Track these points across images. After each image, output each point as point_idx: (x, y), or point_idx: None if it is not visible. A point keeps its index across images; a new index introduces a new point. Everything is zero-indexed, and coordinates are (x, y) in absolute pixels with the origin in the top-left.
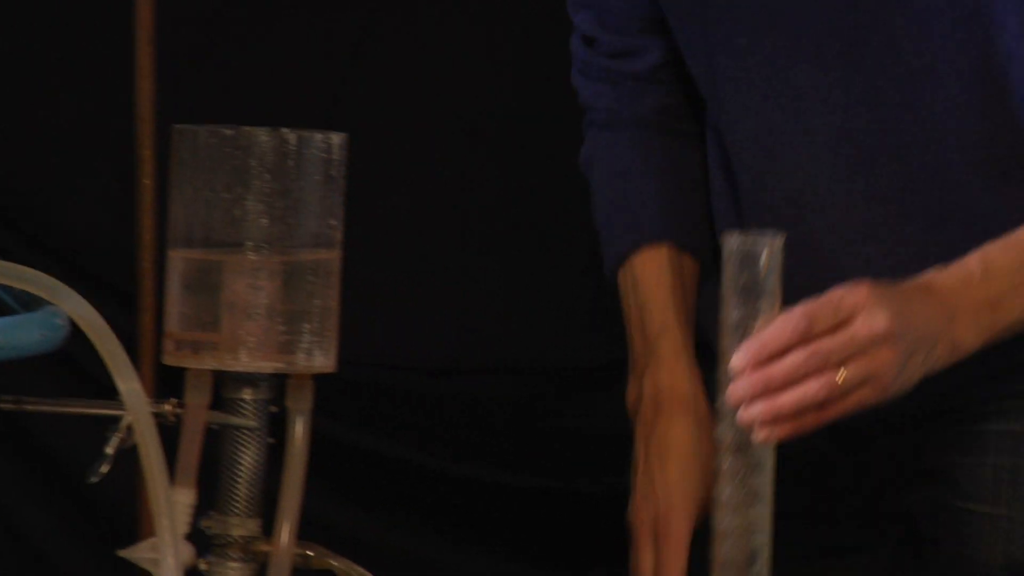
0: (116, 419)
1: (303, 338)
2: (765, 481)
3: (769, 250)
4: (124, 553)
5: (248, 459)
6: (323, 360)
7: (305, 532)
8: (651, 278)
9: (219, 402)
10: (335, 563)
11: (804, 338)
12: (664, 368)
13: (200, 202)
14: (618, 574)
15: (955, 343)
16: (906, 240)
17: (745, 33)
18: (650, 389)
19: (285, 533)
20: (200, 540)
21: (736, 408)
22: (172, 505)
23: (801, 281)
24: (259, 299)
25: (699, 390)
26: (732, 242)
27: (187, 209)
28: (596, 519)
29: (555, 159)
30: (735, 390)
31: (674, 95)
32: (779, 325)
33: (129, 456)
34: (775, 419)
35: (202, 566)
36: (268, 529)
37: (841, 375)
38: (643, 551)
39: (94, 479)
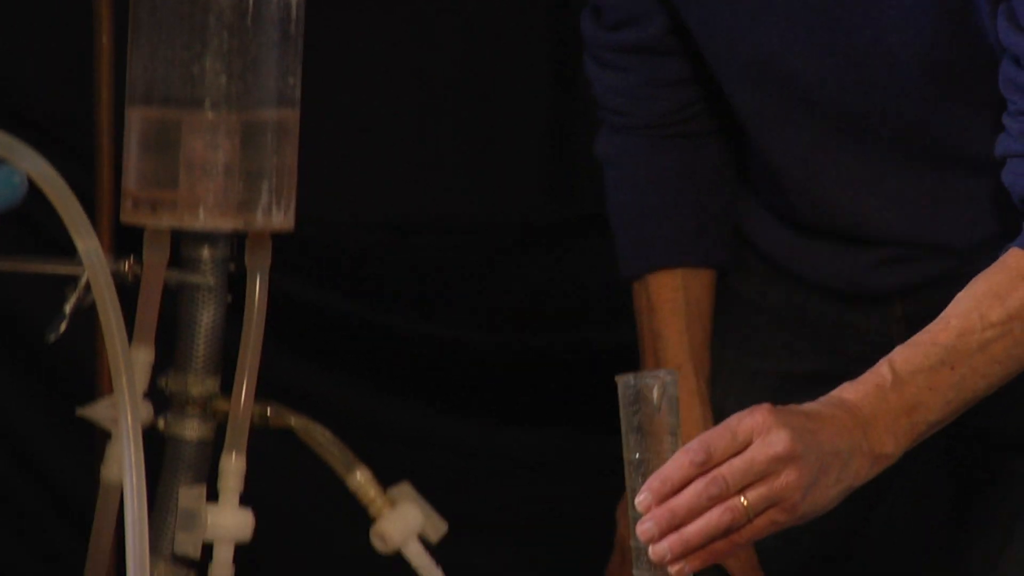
0: (74, 278)
1: (261, 196)
2: None
3: (660, 387)
4: (82, 412)
5: (206, 317)
6: (281, 218)
7: (263, 390)
8: (666, 306)
9: (177, 261)
10: (293, 421)
11: (703, 468)
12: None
13: (158, 60)
14: (579, 430)
15: (874, 454)
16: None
17: None
18: None
19: (243, 391)
20: (158, 398)
21: (647, 546)
22: (130, 363)
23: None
24: (217, 157)
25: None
26: (623, 382)
27: (145, 67)
28: (557, 375)
29: (516, 11)
30: (643, 529)
31: (685, 87)
32: (678, 458)
33: (87, 315)
34: (684, 551)
35: (160, 424)
36: (227, 388)
37: (744, 500)
38: None
39: (52, 338)
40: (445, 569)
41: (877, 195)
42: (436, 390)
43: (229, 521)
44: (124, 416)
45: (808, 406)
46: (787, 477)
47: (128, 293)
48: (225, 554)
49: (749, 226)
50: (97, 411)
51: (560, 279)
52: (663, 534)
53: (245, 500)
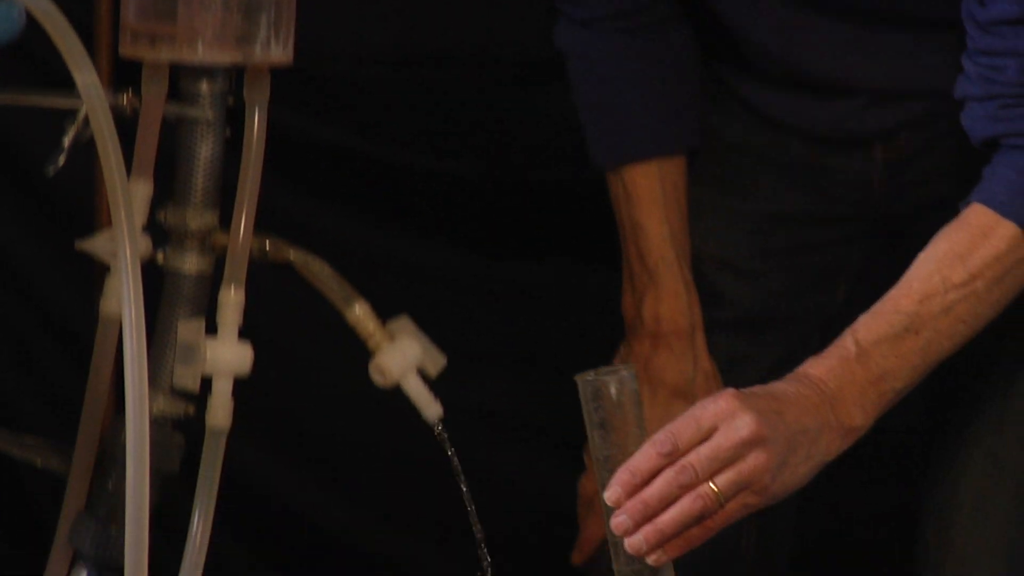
0: (73, 111)
1: (260, 30)
2: None
3: (618, 383)
4: (81, 245)
5: (205, 151)
6: (280, 52)
7: (262, 224)
8: (644, 195)
9: (176, 94)
10: (292, 254)
11: (671, 458)
12: (665, 302)
13: None
14: (579, 262)
15: (844, 428)
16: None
17: None
18: (650, 319)
19: (242, 225)
20: (157, 232)
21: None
22: (129, 197)
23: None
24: None
25: (699, 327)
26: (582, 381)
27: None
28: (556, 208)
29: None
30: (617, 522)
31: None
32: (645, 450)
33: (86, 148)
34: (660, 540)
35: (159, 257)
36: (225, 221)
37: (714, 486)
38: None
39: (51, 171)
40: (443, 402)
41: (855, 54)
42: (435, 224)
43: (228, 355)
44: (123, 249)
45: (773, 386)
46: (755, 460)
47: (127, 127)
48: (224, 387)
49: (730, 77)
50: (96, 244)
51: (559, 113)
52: (637, 526)
53: (244, 334)
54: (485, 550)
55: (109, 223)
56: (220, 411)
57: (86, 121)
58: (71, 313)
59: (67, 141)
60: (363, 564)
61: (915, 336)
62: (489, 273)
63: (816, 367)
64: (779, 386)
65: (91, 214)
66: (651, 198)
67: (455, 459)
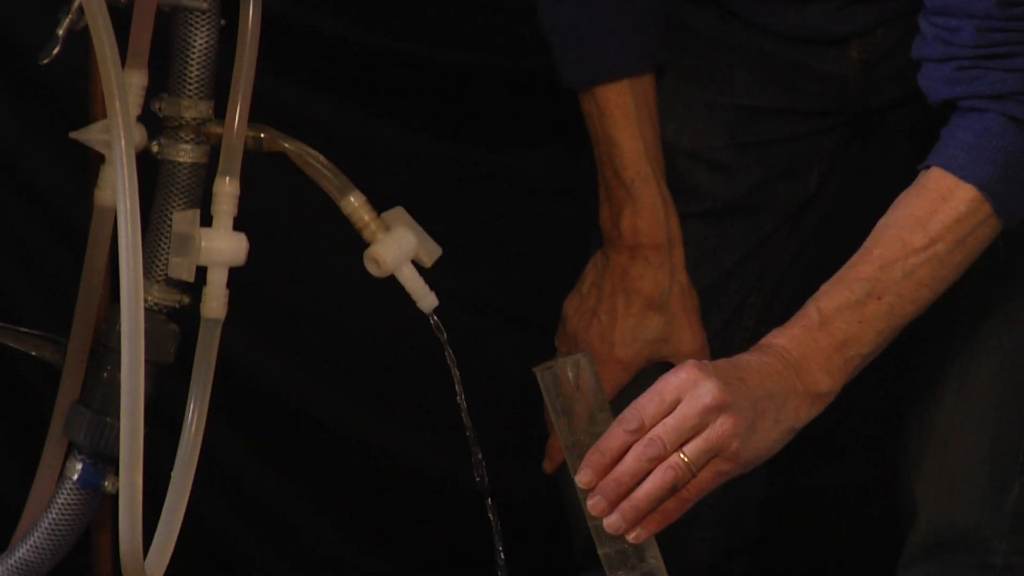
0: (67, 0)
1: None
2: None
3: (573, 367)
4: (76, 135)
5: (200, 41)
6: None
7: (257, 114)
8: (617, 112)
9: None
10: (287, 145)
11: (638, 434)
12: (643, 217)
13: None
14: (573, 149)
15: (811, 394)
16: None
17: None
18: (628, 232)
19: (237, 115)
20: (152, 122)
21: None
22: (123, 87)
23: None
24: None
25: (677, 241)
26: (540, 373)
27: None
28: (550, 95)
29: None
30: (593, 503)
31: None
32: (612, 429)
33: (81, 38)
34: (637, 516)
35: (154, 148)
36: (220, 112)
37: (684, 456)
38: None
39: (45, 61)
40: (438, 293)
41: None
42: (431, 113)
43: (223, 245)
44: (117, 139)
45: (735, 358)
46: (722, 427)
47: (121, 17)
48: (219, 278)
49: None
50: (91, 134)
51: None
52: (613, 505)
53: (239, 224)
54: (478, 446)
55: (104, 113)
56: (215, 301)
57: (80, 11)
58: (66, 204)
59: (61, 31)
60: (358, 454)
61: (877, 301)
62: (485, 163)
63: (779, 337)
64: (742, 357)
65: (85, 104)
66: (624, 114)
67: (449, 349)
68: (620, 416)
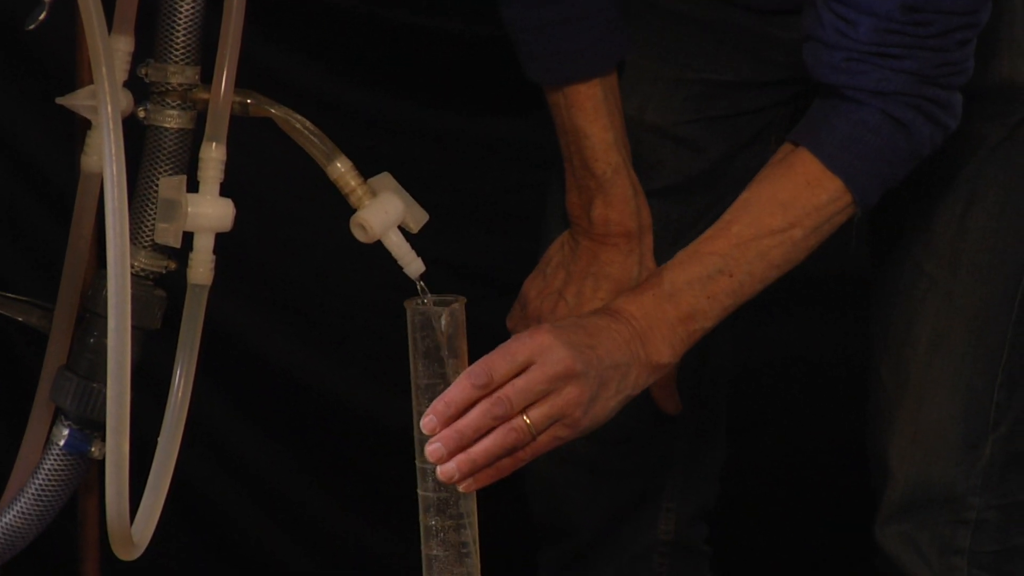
0: None
1: None
2: (471, 536)
3: (448, 315)
4: (62, 100)
5: (186, 6)
6: None
7: (244, 80)
8: (586, 103)
9: None
10: (274, 110)
11: (485, 391)
12: (615, 207)
13: None
14: None
15: (652, 363)
16: None
17: None
18: (599, 221)
19: (224, 80)
20: (139, 88)
21: (435, 466)
22: (110, 52)
23: None
24: None
25: (647, 228)
26: (412, 309)
27: None
28: None
29: None
30: (431, 450)
31: None
32: (461, 381)
33: (67, 3)
34: (472, 470)
35: (140, 113)
36: (207, 77)
37: (527, 419)
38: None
39: (32, 26)
40: (425, 259)
41: None
42: (418, 79)
43: (209, 210)
44: (104, 105)
45: (587, 319)
46: (568, 395)
47: None
48: (205, 243)
49: None
50: (77, 100)
51: None
52: (451, 455)
53: (225, 190)
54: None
55: (90, 79)
56: (201, 267)
57: None
58: (52, 169)
59: None
60: (344, 418)
61: (728, 278)
62: (472, 129)
63: (629, 303)
64: (593, 319)
65: (72, 70)
66: (594, 105)
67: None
68: (469, 369)
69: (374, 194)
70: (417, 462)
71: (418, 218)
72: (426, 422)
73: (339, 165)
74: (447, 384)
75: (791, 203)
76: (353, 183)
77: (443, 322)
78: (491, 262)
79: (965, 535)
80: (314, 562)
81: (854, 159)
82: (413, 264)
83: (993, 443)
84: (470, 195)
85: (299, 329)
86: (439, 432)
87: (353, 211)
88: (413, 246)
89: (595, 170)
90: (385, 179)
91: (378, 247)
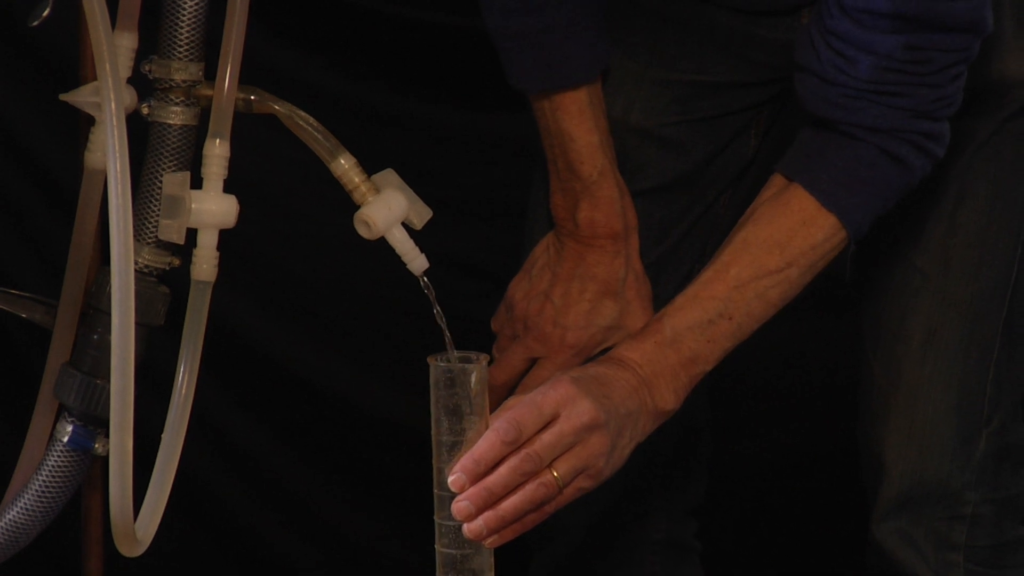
0: None
1: None
2: None
3: (478, 373)
4: (66, 97)
5: (190, 2)
6: None
7: (248, 76)
8: (572, 108)
9: None
10: (278, 107)
11: (514, 446)
12: (601, 209)
13: None
14: None
15: (657, 411)
16: None
17: None
18: (585, 223)
19: (227, 77)
20: (142, 84)
21: (457, 522)
22: (114, 49)
23: None
24: None
25: (633, 229)
26: (437, 368)
27: None
28: None
29: None
30: (459, 507)
31: None
32: (489, 437)
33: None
34: (500, 526)
35: (144, 110)
36: (211, 74)
37: (555, 473)
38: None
39: (35, 23)
40: (429, 255)
41: None
42: (422, 75)
43: (213, 207)
44: (107, 101)
45: (594, 369)
46: (592, 446)
47: None
48: (209, 240)
49: None
50: (81, 96)
51: None
52: (480, 511)
53: (229, 186)
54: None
55: (94, 75)
56: (205, 264)
57: None
58: (56, 166)
59: None
60: (348, 414)
61: (728, 321)
62: (475, 124)
63: (632, 351)
64: (600, 369)
65: (76, 66)
66: (580, 109)
67: (439, 310)
68: (497, 425)
69: (378, 190)
70: (436, 518)
71: (422, 214)
72: (454, 480)
73: (343, 161)
74: (470, 442)
75: (787, 243)
76: (357, 179)
77: (472, 379)
78: (494, 258)
79: (961, 530)
80: (318, 558)
81: (849, 195)
82: (417, 260)
83: (987, 437)
84: (473, 191)
85: (303, 325)
86: (468, 490)
87: (357, 207)
88: (417, 242)
89: (581, 173)
90: (389, 175)
91: (382, 243)
